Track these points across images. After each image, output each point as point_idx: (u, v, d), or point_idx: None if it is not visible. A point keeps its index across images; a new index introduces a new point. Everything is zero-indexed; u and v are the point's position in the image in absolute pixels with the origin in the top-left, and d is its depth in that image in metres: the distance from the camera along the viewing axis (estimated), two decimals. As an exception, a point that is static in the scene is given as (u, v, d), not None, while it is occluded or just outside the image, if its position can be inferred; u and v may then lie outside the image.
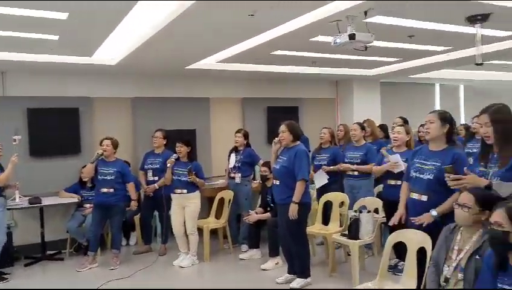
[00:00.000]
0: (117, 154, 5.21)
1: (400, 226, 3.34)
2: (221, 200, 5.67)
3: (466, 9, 3.71)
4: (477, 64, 3.97)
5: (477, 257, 2.33)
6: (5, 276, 4.76)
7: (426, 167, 3.14)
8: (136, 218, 5.87)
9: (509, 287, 2.01)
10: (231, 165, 5.68)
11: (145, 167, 5.69)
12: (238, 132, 5.76)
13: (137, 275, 4.77)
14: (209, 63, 5.82)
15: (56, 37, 4.19)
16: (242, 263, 5.14)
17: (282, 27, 4.11)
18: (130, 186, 5.13)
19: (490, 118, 2.69)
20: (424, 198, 3.09)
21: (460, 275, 2.39)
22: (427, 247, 2.86)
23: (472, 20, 3.75)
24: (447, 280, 2.46)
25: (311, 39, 4.56)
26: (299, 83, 7.87)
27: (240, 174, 5.60)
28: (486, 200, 2.39)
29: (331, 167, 5.31)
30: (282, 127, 4.27)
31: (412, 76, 8.15)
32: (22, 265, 5.20)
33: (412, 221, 3.09)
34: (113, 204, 4.99)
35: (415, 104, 9.12)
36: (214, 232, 5.64)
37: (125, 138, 6.39)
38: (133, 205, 5.20)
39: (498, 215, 2.04)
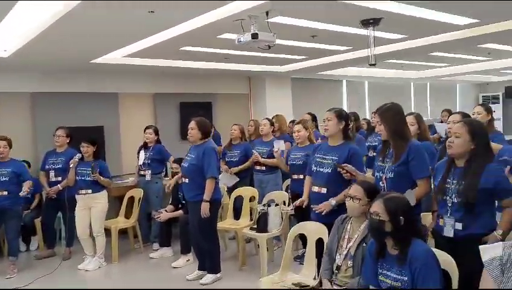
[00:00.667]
0: (16, 154, 4.84)
1: (304, 218, 3.53)
2: (131, 198, 5.52)
3: (360, 13, 3.97)
4: (371, 65, 4.28)
5: (364, 244, 2.54)
6: None
7: (325, 161, 3.34)
8: (37, 221, 5.49)
9: (387, 272, 2.21)
10: (141, 162, 5.55)
11: (46, 167, 5.33)
12: (148, 128, 5.63)
13: (38, 281, 4.48)
14: (115, 57, 5.60)
15: None
16: (153, 262, 5.05)
17: (188, 24, 4.08)
18: (26, 183, 4.56)
19: (380, 118, 2.92)
20: (324, 191, 3.29)
21: (350, 263, 2.59)
22: (325, 238, 3.03)
23: (365, 23, 4.02)
24: (338, 268, 2.64)
25: (218, 36, 4.59)
26: (213, 78, 7.88)
27: (150, 171, 5.48)
28: (375, 192, 2.60)
29: (240, 167, 5.43)
30: (192, 124, 4.24)
31: (320, 73, 8.54)
32: None
33: (313, 209, 3.28)
34: (8, 208, 4.60)
35: (324, 99, 9.58)
36: (124, 232, 5.48)
37: (24, 136, 5.97)
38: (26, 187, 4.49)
39: (376, 206, 2.23)
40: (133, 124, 6.80)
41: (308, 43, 5.39)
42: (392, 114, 2.92)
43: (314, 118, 6.25)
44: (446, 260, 2.23)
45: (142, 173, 5.54)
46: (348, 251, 2.62)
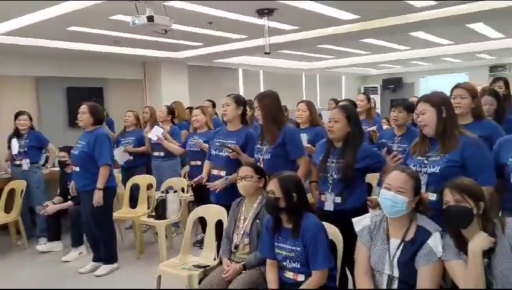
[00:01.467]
0: None
1: (204, 202, 3.57)
2: (11, 191, 5.03)
3: (255, 2, 4.11)
4: (266, 54, 4.45)
5: (257, 221, 2.69)
6: None
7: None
8: None
9: (283, 245, 2.37)
10: (15, 151, 5.05)
11: None
12: (21, 114, 5.15)
13: None
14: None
15: None
16: (41, 258, 4.69)
17: (77, 2, 3.83)
18: None
19: (258, 103, 3.12)
20: (223, 173, 3.38)
21: (246, 240, 2.72)
22: (224, 219, 3.10)
23: (260, 12, 4.16)
24: (236, 247, 2.76)
25: (109, 17, 4.37)
26: (104, 62, 7.47)
27: (27, 160, 5.03)
28: (262, 170, 2.83)
29: (137, 149, 5.26)
30: (83, 108, 4.02)
31: (217, 61, 8.61)
32: None
33: (208, 186, 3.35)
34: None
35: (220, 87, 9.67)
36: (4, 228, 4.99)
37: None
38: None
39: (272, 184, 2.38)
40: (10, 110, 6.16)
41: (205, 29, 5.41)
42: (268, 100, 3.14)
43: (213, 105, 6.30)
44: (333, 232, 2.46)
45: (17, 162, 5.07)
46: (244, 229, 2.74)
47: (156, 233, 4.78)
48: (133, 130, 5.46)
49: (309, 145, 3.50)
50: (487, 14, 5.46)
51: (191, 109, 6.65)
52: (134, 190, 5.01)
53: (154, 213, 4.51)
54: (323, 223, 2.42)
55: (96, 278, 4.03)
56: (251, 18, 4.77)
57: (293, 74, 11.96)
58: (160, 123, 5.31)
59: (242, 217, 2.77)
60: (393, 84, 14.25)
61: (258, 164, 3.05)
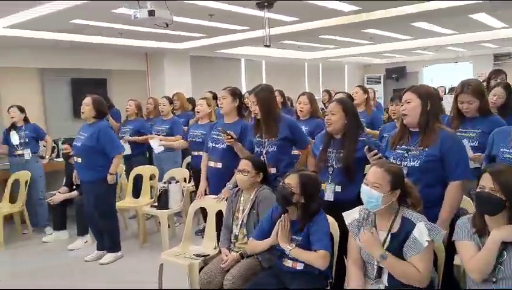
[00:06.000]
0: None
1: (205, 193, 3.65)
2: (16, 182, 5.14)
3: (255, -5, 4.15)
4: (266, 46, 4.49)
5: (254, 211, 2.78)
6: None
7: (221, 137, 3.48)
8: None
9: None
10: (16, 142, 5.15)
11: None
12: (11, 107, 5.25)
13: None
14: (-4, 28, 5.10)
15: None
16: (47, 247, 4.82)
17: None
18: None
19: (256, 98, 3.16)
20: (219, 165, 3.48)
21: (244, 231, 2.81)
22: (224, 210, 3.19)
23: (260, 5, 4.20)
24: (236, 237, 2.85)
25: (113, 11, 4.43)
26: (107, 54, 7.53)
27: (29, 150, 5.15)
28: (259, 164, 2.91)
29: (135, 138, 5.33)
30: (87, 100, 4.09)
31: (219, 51, 8.64)
32: None
33: (215, 199, 3.37)
34: None
35: (223, 78, 9.70)
36: (10, 218, 5.12)
37: None
38: None
39: (291, 179, 2.43)
40: (16, 101, 6.23)
41: (206, 21, 5.45)
42: (265, 94, 3.19)
43: (215, 97, 6.35)
44: (331, 223, 2.53)
45: (19, 152, 5.18)
46: (243, 220, 2.83)
47: (159, 222, 4.89)
48: (134, 119, 5.52)
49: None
50: (489, 4, 5.46)
51: (189, 99, 6.73)
52: (137, 180, 5.11)
53: (156, 203, 4.61)
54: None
55: (101, 266, 4.14)
56: (251, 10, 4.80)
57: (295, 63, 11.96)
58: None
59: (241, 208, 2.85)
60: (396, 73, 14.19)
61: (261, 157, 3.11)
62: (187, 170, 4.95)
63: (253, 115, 3.28)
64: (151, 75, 8.41)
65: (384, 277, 2.05)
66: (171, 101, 5.53)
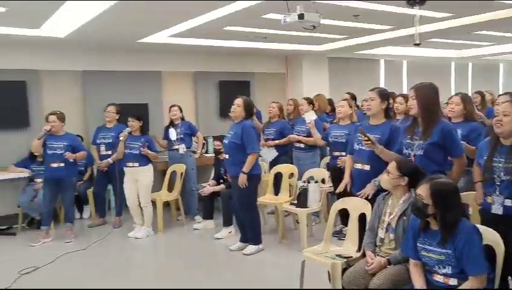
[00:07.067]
0: (68, 129, 5.14)
1: (346, 194, 3.65)
2: (173, 173, 5.77)
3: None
4: (416, 45, 4.27)
5: (404, 217, 2.66)
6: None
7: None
8: (90, 191, 5.87)
9: (430, 247, 2.32)
10: (174, 137, 5.76)
11: (98, 141, 5.67)
12: (173, 106, 5.86)
13: (93, 247, 4.84)
14: (161, 37, 5.79)
15: (3, 9, 4.06)
16: (196, 233, 5.33)
17: (235, 4, 4.20)
18: (80, 154, 5.03)
19: (415, 93, 3.00)
20: (367, 167, 3.37)
21: (392, 235, 2.72)
22: (368, 213, 3.14)
23: (411, 3, 4.01)
24: (382, 240, 2.78)
25: (262, 16, 4.68)
26: (251, 57, 7.98)
27: (183, 145, 5.72)
28: (406, 168, 2.75)
29: (277, 141, 5.58)
30: (238, 101, 4.37)
31: (358, 52, 8.48)
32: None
33: (358, 195, 3.34)
34: (64, 178, 4.95)
35: (361, 79, 9.50)
36: (168, 205, 5.77)
37: (76, 111, 6.31)
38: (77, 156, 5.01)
39: (422, 189, 2.33)
40: (174, 101, 7.01)
41: (351, 22, 5.41)
42: (426, 90, 3.01)
43: (353, 98, 6.28)
44: (492, 235, 2.30)
45: (175, 147, 5.76)
46: (390, 224, 2.74)
47: (297, 221, 5.02)
48: (276, 120, 5.76)
49: (463, 143, 3.29)
50: None
51: (329, 100, 6.76)
52: (277, 178, 5.33)
53: (296, 201, 4.75)
54: (480, 225, 2.30)
55: (244, 256, 4.42)
56: (398, 8, 4.62)
57: (440, 63, 11.10)
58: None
59: (388, 211, 2.77)
60: None
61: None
62: (326, 171, 4.99)
63: (410, 113, 3.13)
64: (290, 77, 8.65)
65: None
66: (310, 102, 5.64)
